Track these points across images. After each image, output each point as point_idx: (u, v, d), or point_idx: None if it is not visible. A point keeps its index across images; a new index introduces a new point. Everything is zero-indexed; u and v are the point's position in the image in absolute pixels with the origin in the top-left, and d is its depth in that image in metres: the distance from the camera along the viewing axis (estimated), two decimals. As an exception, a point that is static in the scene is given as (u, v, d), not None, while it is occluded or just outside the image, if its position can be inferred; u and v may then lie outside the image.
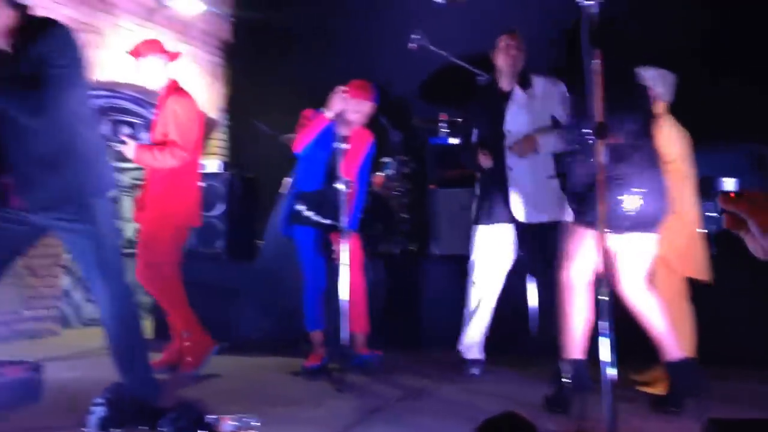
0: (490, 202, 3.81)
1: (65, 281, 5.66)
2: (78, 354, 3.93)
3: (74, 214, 2.69)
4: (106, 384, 2.78)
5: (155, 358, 4.02)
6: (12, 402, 3.03)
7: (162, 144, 3.81)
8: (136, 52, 3.94)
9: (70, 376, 3.77)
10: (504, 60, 3.78)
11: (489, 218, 3.80)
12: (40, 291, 5.18)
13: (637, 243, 2.99)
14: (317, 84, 4.25)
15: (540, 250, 3.74)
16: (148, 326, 4.89)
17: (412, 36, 4.75)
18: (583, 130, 2.35)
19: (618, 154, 2.79)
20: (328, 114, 3.83)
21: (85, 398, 2.76)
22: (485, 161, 3.74)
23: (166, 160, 3.80)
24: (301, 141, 3.95)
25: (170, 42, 6.41)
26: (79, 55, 2.64)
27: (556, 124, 3.74)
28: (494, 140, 3.76)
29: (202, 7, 6.51)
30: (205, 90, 6.93)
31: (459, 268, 4.17)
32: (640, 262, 3.03)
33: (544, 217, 3.70)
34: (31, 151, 2.62)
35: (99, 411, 2.65)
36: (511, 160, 3.74)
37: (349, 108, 3.89)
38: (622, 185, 2.89)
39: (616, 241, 2.84)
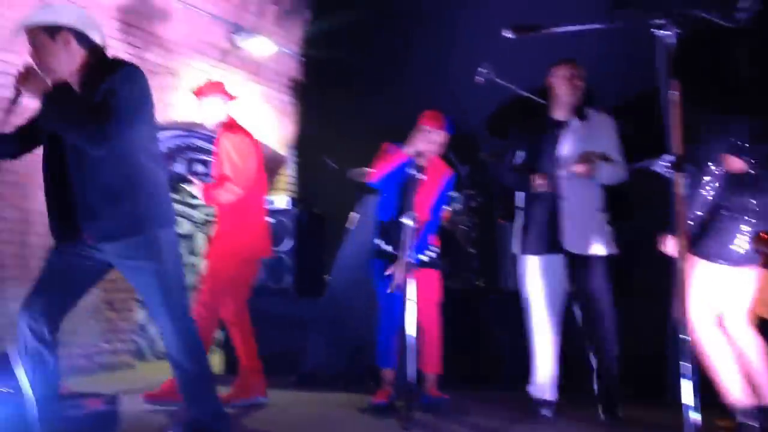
0: (539, 231, 3.71)
1: (141, 315, 5.83)
2: (153, 387, 4.01)
3: (137, 248, 2.70)
4: (180, 417, 2.81)
5: (224, 392, 4.10)
6: (90, 433, 3.10)
7: (219, 181, 3.93)
8: (198, 92, 4.11)
9: (146, 408, 3.84)
10: (566, 89, 3.71)
11: (539, 248, 3.69)
12: (117, 324, 5.34)
13: (747, 277, 2.91)
14: (384, 119, 4.29)
15: (586, 283, 3.62)
16: (217, 361, 4.98)
17: (479, 69, 4.75)
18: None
19: (742, 182, 2.74)
20: (409, 151, 3.85)
21: (159, 430, 2.80)
22: (541, 184, 3.65)
23: (222, 197, 3.90)
24: (378, 173, 3.96)
25: (242, 82, 6.63)
26: (144, 92, 2.72)
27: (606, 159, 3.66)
28: (546, 169, 3.67)
29: (274, 48, 6.70)
30: (275, 127, 7.11)
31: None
32: (746, 297, 2.95)
33: (592, 250, 3.61)
34: (96, 181, 2.66)
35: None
36: (566, 188, 3.65)
37: (424, 139, 3.92)
38: (742, 216, 2.82)
39: (729, 275, 2.77)
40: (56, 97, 2.57)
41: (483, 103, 5.65)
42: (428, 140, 3.90)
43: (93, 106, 2.56)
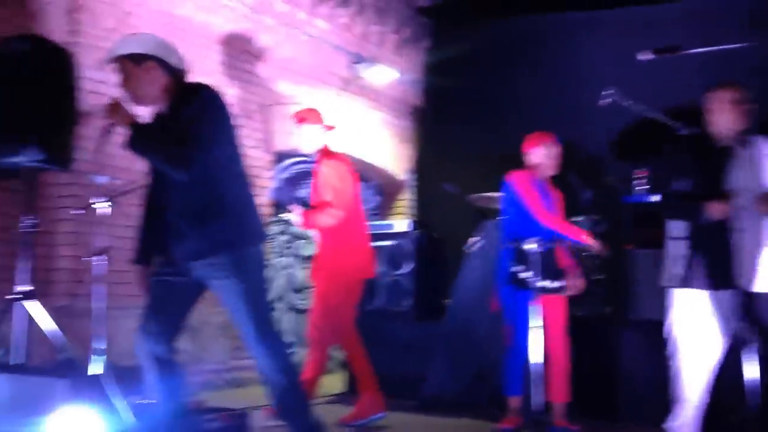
0: (708, 263, 3.45)
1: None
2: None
3: (223, 267, 2.76)
4: None
5: (347, 412, 4.15)
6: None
7: (319, 206, 4.02)
8: (298, 119, 4.21)
9: (274, 423, 3.94)
10: (732, 115, 3.45)
11: (710, 282, 3.40)
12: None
13: None
14: (502, 146, 4.27)
15: (761, 320, 3.35)
16: (339, 381, 5.05)
17: (604, 93, 4.61)
18: None
19: None
20: (585, 239, 3.90)
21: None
22: (720, 211, 3.42)
23: (323, 221, 4.00)
24: (541, 213, 3.91)
25: (363, 109, 6.80)
26: (223, 114, 2.81)
27: None
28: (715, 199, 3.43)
29: (394, 76, 6.83)
30: (395, 153, 7.22)
31: (659, 334, 3.87)
32: None
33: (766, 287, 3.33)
34: (182, 204, 2.78)
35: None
36: (743, 220, 3.40)
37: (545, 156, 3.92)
38: None
39: None
40: (140, 126, 2.73)
41: (607, 127, 5.51)
42: (550, 156, 3.85)
43: (175, 134, 2.69)
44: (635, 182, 5.11)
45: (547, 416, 3.77)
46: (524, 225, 3.91)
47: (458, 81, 6.64)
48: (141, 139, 2.70)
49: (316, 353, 4.01)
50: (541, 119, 5.81)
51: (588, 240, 3.99)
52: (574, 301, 4.86)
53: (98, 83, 4.70)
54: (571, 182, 5.42)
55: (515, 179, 4.01)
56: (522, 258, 3.85)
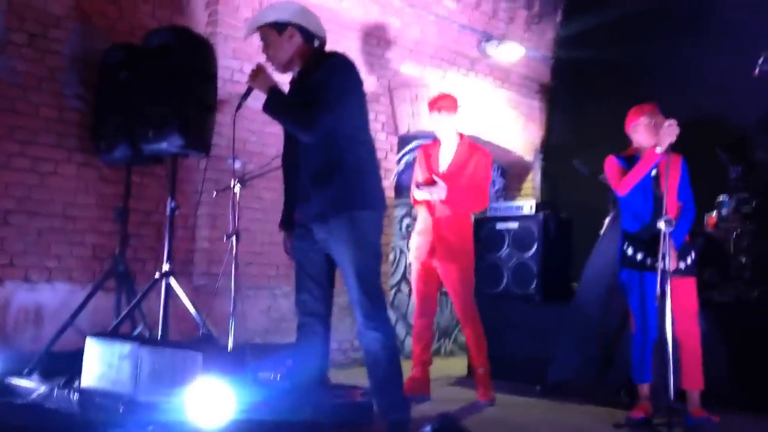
0: None
1: (391, 315, 6.11)
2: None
3: (339, 228, 2.80)
4: (433, 413, 2.84)
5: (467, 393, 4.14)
6: (348, 421, 3.30)
7: (474, 188, 4.16)
8: (432, 105, 4.28)
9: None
10: None
11: None
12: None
13: None
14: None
15: None
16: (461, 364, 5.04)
17: (759, 62, 4.22)
18: None
19: None
20: (659, 150, 3.58)
21: (412, 426, 2.88)
22: None
23: (479, 203, 4.25)
24: (628, 183, 3.72)
25: (491, 89, 6.68)
26: (352, 82, 2.88)
27: None
28: None
29: (522, 53, 6.65)
30: (522, 133, 7.04)
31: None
32: None
33: None
34: (307, 166, 2.87)
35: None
36: None
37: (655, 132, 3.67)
38: None
39: None
40: (277, 91, 2.83)
41: (759, 99, 5.07)
42: (664, 132, 3.54)
43: (303, 98, 2.79)
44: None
45: (683, 405, 3.56)
46: (635, 205, 3.75)
47: (591, 55, 6.36)
48: (275, 102, 2.83)
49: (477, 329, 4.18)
50: (683, 92, 5.45)
51: None
52: (716, 285, 4.56)
53: (235, 72, 4.95)
54: (720, 158, 5.06)
55: (606, 162, 3.85)
56: (635, 239, 3.67)
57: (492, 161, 4.46)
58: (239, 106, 2.98)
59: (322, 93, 2.76)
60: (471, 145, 4.30)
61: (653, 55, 5.99)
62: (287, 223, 3.09)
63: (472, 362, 4.35)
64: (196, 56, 4.02)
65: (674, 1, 6.11)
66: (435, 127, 4.33)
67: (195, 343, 3.68)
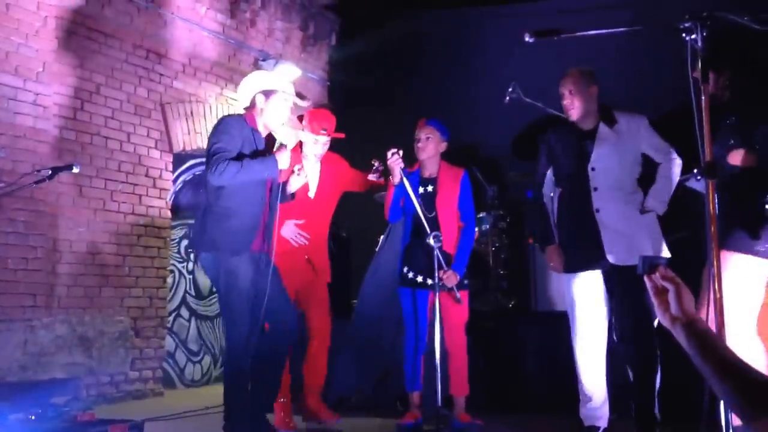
0: (578, 247, 3.48)
1: (169, 343, 5.81)
2: (179, 414, 3.97)
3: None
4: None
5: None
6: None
7: None
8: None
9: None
10: (581, 99, 3.51)
11: (580, 265, 3.47)
12: (145, 352, 5.33)
13: None
14: (411, 143, 4.25)
15: (631, 295, 3.32)
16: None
17: (508, 90, 4.66)
18: None
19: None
20: (395, 181, 3.83)
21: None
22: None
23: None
24: (387, 211, 3.99)
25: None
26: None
27: (647, 161, 3.49)
28: (578, 180, 3.46)
29: (298, 72, 6.73)
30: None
31: (562, 325, 3.94)
32: None
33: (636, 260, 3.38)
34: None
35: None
36: (597, 200, 3.46)
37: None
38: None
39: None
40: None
41: (511, 123, 5.58)
42: (428, 144, 3.89)
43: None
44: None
45: (449, 410, 3.78)
46: (408, 222, 3.96)
47: (362, 78, 6.61)
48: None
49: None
50: (444, 117, 5.84)
51: None
52: (477, 296, 4.93)
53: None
54: (476, 178, 5.49)
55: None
56: (409, 256, 3.88)
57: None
58: None
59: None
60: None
61: (416, 83, 6.39)
62: None
63: None
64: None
65: (435, 36, 6.56)
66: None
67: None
